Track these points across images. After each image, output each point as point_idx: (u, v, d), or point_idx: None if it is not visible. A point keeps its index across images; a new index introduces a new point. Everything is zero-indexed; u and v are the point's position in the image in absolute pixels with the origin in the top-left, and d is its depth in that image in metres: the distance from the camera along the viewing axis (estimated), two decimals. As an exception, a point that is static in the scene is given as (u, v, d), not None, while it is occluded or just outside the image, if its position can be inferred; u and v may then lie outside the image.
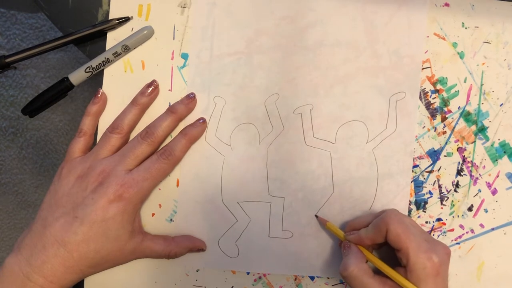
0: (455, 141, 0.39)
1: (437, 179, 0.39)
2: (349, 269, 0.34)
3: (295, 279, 0.40)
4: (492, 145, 0.39)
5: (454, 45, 0.39)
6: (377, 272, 0.35)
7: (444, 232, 0.39)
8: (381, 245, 0.36)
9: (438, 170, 0.39)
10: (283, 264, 0.39)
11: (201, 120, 0.39)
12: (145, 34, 0.38)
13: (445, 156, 0.39)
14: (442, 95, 0.39)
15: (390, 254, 0.35)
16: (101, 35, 0.39)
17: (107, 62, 0.38)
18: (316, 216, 0.39)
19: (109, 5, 0.39)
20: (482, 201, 0.39)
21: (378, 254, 0.38)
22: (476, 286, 0.39)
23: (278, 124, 0.39)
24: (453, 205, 0.39)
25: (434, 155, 0.39)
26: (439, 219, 0.39)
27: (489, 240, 0.39)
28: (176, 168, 0.39)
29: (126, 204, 0.35)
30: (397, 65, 0.39)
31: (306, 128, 0.39)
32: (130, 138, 0.38)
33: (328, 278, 0.39)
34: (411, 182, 0.39)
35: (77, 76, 0.38)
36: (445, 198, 0.39)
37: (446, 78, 0.39)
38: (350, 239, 0.36)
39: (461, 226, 0.39)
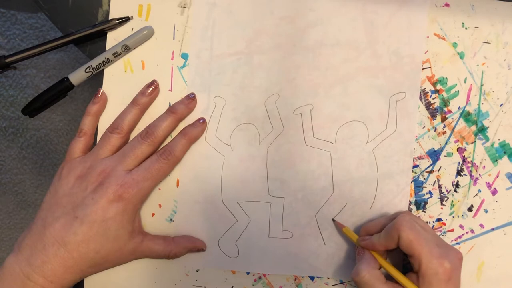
0: (455, 141, 0.39)
1: (437, 179, 0.39)
2: (360, 274, 0.34)
3: (295, 279, 0.40)
4: (492, 145, 0.39)
5: (454, 45, 0.39)
6: (390, 278, 0.35)
7: (444, 232, 0.39)
8: (394, 249, 0.36)
9: (438, 170, 0.39)
10: (283, 264, 0.39)
11: (201, 120, 0.39)
12: (145, 34, 0.38)
13: (445, 156, 0.39)
14: (442, 95, 0.39)
15: (405, 258, 0.35)
16: (101, 35, 0.39)
17: (107, 62, 0.38)
18: (333, 220, 0.39)
19: (109, 5, 0.39)
20: (482, 201, 0.39)
21: (392, 258, 0.38)
22: (476, 286, 0.39)
23: (278, 124, 0.39)
24: (453, 205, 0.39)
25: (434, 155, 0.39)
26: (439, 219, 0.39)
27: (489, 240, 0.39)
28: (176, 168, 0.39)
29: (126, 204, 0.35)
30: (397, 65, 0.39)
31: (306, 128, 0.39)
32: (130, 138, 0.38)
33: (328, 278, 0.40)
34: (411, 182, 0.39)
35: (77, 76, 0.38)
36: (445, 198, 0.39)
37: (446, 78, 0.39)
38: (363, 245, 0.36)
39: (461, 226, 0.39)
